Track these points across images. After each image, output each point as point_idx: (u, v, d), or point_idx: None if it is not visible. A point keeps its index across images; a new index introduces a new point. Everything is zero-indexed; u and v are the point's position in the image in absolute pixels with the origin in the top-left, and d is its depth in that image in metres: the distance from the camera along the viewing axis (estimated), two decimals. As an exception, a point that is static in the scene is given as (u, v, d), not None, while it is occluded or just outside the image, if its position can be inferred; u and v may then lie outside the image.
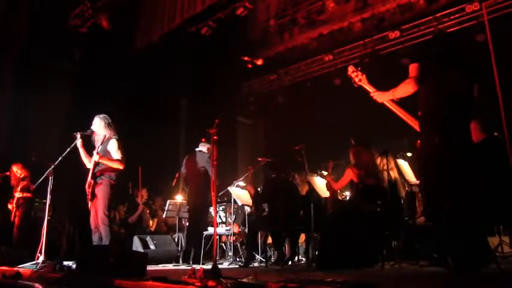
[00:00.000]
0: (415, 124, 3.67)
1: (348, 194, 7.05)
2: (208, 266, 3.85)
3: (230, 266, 6.37)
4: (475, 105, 3.69)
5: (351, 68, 4.08)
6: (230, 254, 7.37)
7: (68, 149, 5.39)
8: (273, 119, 11.36)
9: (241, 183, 7.53)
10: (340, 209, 5.87)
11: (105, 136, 5.43)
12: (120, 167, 5.30)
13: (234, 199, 7.09)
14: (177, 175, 8.52)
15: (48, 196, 5.42)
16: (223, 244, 8.13)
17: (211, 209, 7.01)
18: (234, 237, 7.50)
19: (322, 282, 2.75)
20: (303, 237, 7.08)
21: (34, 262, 5.11)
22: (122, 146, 5.38)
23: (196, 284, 2.89)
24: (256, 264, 6.49)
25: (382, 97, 3.76)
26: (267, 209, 6.15)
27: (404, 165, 5.79)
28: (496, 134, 5.16)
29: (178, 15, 8.89)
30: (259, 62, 4.24)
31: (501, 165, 4.73)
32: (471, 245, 3.20)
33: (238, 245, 7.74)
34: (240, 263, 6.51)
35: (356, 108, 8.50)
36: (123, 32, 9.39)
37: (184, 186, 7.67)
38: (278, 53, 10.01)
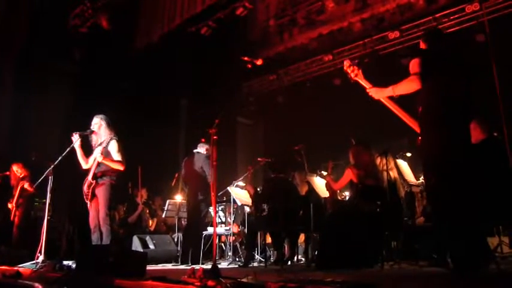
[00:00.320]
0: (411, 122, 3.63)
1: (347, 194, 7.05)
2: (208, 266, 3.85)
3: (229, 266, 6.37)
4: (474, 106, 3.66)
5: (346, 63, 3.98)
6: (229, 254, 7.37)
7: (68, 149, 5.40)
8: (273, 119, 11.37)
9: (241, 183, 7.53)
10: (340, 209, 5.88)
11: (106, 137, 5.45)
12: (121, 168, 5.33)
13: (234, 199, 7.09)
14: (176, 175, 8.53)
15: (48, 196, 5.43)
16: (222, 244, 8.13)
17: (211, 209, 7.01)
18: (234, 237, 7.50)
19: (321, 282, 2.75)
20: (302, 237, 7.09)
21: (34, 262, 5.11)
22: (122, 147, 5.40)
23: (196, 283, 2.89)
24: (255, 264, 6.49)
25: (380, 94, 3.67)
26: (266, 209, 6.15)
27: (403, 165, 5.78)
28: (495, 134, 5.16)
29: (178, 15, 8.89)
30: (259, 62, 4.24)
31: (501, 166, 4.73)
32: (471, 246, 3.20)
33: (238, 245, 7.74)
34: (239, 263, 6.51)
35: (356, 109, 8.51)
36: (123, 32, 9.39)
37: (183, 186, 7.68)
38: (278, 53, 10.02)
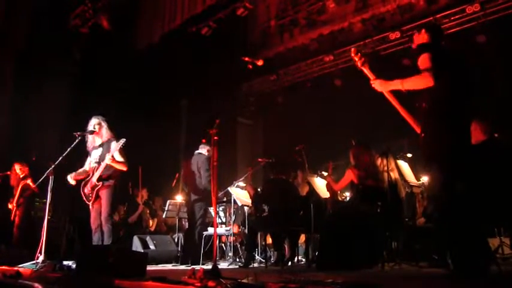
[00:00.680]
0: (409, 119, 3.59)
1: (348, 194, 7.05)
2: (208, 266, 3.85)
3: (230, 267, 6.36)
4: (474, 106, 3.63)
5: (353, 50, 3.90)
6: (230, 254, 7.37)
7: (69, 149, 5.40)
8: (273, 119, 11.36)
9: (241, 184, 7.53)
10: (340, 209, 5.87)
11: (106, 138, 5.46)
12: (125, 168, 5.38)
13: (234, 199, 7.09)
14: (176, 175, 8.53)
15: (49, 196, 5.42)
16: (223, 244, 8.13)
17: (211, 209, 7.01)
18: (234, 238, 7.50)
19: (322, 283, 2.75)
20: (302, 237, 7.08)
21: (34, 262, 5.10)
22: (123, 148, 5.40)
23: (196, 284, 2.89)
24: (256, 265, 6.49)
25: (385, 86, 3.57)
26: (266, 210, 6.15)
27: (404, 166, 5.78)
28: (496, 135, 5.16)
29: (179, 16, 8.89)
30: (260, 62, 4.23)
31: (501, 167, 4.73)
32: (472, 247, 3.19)
33: (238, 246, 7.74)
34: (239, 264, 6.51)
35: (356, 109, 8.52)
36: (123, 32, 9.40)
37: (184, 186, 7.69)
38: (278, 53, 10.02)
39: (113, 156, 5.28)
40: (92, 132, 5.50)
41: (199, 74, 10.19)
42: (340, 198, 6.81)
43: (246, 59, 4.26)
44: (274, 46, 10.02)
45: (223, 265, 6.48)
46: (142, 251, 6.83)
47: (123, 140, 5.30)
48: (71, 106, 8.75)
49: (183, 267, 6.39)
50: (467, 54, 7.53)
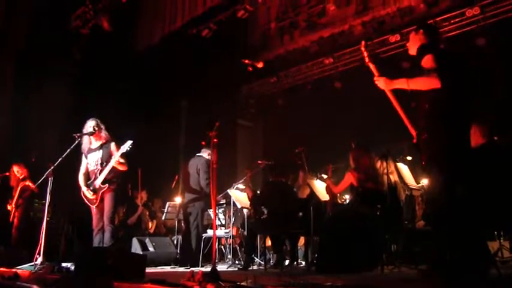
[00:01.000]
0: (406, 121, 3.59)
1: (347, 197, 7.05)
2: (207, 269, 3.84)
3: (229, 269, 6.35)
4: (473, 108, 3.62)
5: (363, 43, 3.90)
6: (229, 256, 7.36)
7: (68, 150, 5.39)
8: (273, 121, 11.36)
9: (241, 186, 7.52)
10: (340, 212, 5.86)
11: (105, 139, 5.47)
12: (126, 169, 5.43)
13: (233, 202, 7.08)
14: (176, 177, 8.52)
15: (48, 197, 5.42)
16: (222, 247, 8.12)
17: (211, 212, 7.01)
18: (233, 240, 7.49)
19: (321, 286, 2.75)
20: (302, 240, 7.07)
21: (32, 263, 5.10)
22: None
23: (195, 286, 2.89)
24: (255, 267, 6.48)
25: (389, 85, 3.55)
26: (265, 212, 6.15)
27: (404, 169, 5.78)
28: (496, 138, 5.16)
29: (179, 17, 8.90)
30: (260, 65, 4.23)
31: (500, 170, 4.72)
32: (471, 250, 3.19)
33: (237, 248, 7.73)
34: (239, 266, 6.50)
35: (356, 112, 8.52)
36: (124, 33, 9.40)
37: (183, 188, 7.68)
38: (278, 55, 10.01)
39: (108, 157, 5.30)
40: (92, 134, 5.50)
41: (200, 75, 10.20)
42: (339, 201, 6.81)
43: (246, 61, 4.27)
44: (274, 48, 10.01)
45: (222, 267, 6.47)
46: (141, 252, 6.83)
47: (129, 142, 5.32)
48: (71, 107, 8.74)
49: (182, 269, 6.38)
50: (467, 57, 7.60)
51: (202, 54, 9.89)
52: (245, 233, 7.18)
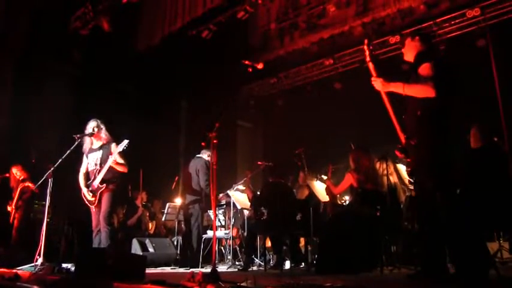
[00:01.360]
0: (397, 125, 3.58)
1: (347, 198, 7.05)
2: (207, 270, 3.84)
3: (229, 270, 6.36)
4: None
5: (366, 41, 3.92)
6: (229, 257, 7.36)
7: (68, 151, 5.40)
8: (273, 122, 11.36)
9: (241, 187, 7.53)
10: (340, 213, 5.87)
11: (106, 140, 5.48)
12: (125, 170, 5.41)
13: (233, 203, 7.09)
14: (176, 178, 8.53)
15: (48, 198, 5.42)
16: (222, 248, 8.12)
17: (211, 213, 7.01)
18: (233, 241, 7.50)
19: (320, 287, 2.75)
20: (302, 241, 7.07)
21: (33, 264, 5.10)
22: (123, 150, 5.41)
23: (195, 287, 2.89)
24: (255, 268, 6.48)
25: (386, 86, 3.57)
26: (265, 213, 6.14)
27: (403, 170, 5.78)
28: (495, 139, 5.17)
29: (179, 18, 8.89)
30: (260, 66, 4.23)
31: (500, 171, 4.73)
32: (471, 251, 3.19)
33: (237, 249, 7.73)
34: (239, 267, 6.50)
35: (356, 113, 8.52)
36: (124, 35, 9.40)
37: (183, 190, 7.69)
38: (278, 56, 10.01)
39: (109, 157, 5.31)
40: (92, 135, 5.51)
41: (199, 76, 10.20)
42: (339, 202, 6.81)
43: (246, 62, 4.27)
44: (274, 49, 10.02)
45: (222, 268, 6.47)
46: (141, 253, 6.83)
47: (126, 141, 5.32)
48: (71, 107, 8.74)
49: (182, 270, 6.39)
50: (467, 58, 7.61)
51: (202, 55, 9.89)
52: (245, 234, 7.18)
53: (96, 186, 5.32)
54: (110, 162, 5.26)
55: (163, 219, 8.53)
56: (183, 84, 10.75)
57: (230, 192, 7.18)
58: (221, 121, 3.78)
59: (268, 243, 7.03)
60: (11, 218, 7.08)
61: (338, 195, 6.61)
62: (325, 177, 6.50)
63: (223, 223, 7.87)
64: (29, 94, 8.38)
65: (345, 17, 8.87)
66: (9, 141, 8.27)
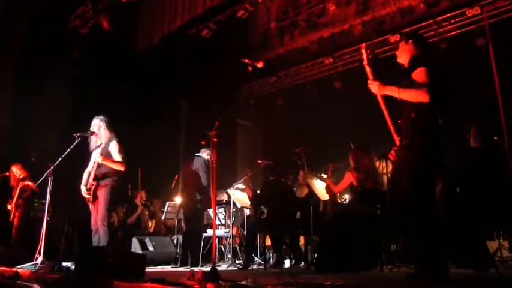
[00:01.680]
0: (392, 128, 3.61)
1: (347, 197, 7.05)
2: (207, 268, 3.84)
3: (229, 268, 6.36)
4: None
5: (364, 45, 3.95)
6: (229, 256, 7.37)
7: (68, 150, 5.40)
8: (273, 121, 11.37)
9: (241, 186, 7.53)
10: (339, 212, 5.87)
11: (106, 138, 5.46)
12: (122, 168, 5.34)
13: (233, 201, 7.09)
14: (176, 177, 8.53)
15: (48, 197, 5.42)
16: (222, 246, 8.13)
17: (211, 211, 7.02)
18: (233, 240, 7.50)
19: (320, 286, 2.75)
20: (301, 240, 7.08)
21: (33, 263, 5.10)
22: (122, 148, 5.40)
23: (195, 286, 2.89)
24: (255, 267, 6.49)
25: (381, 90, 3.60)
26: (265, 212, 6.15)
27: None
28: (495, 138, 5.17)
29: (179, 17, 8.88)
30: (260, 64, 4.22)
31: (500, 171, 4.74)
32: (471, 249, 3.20)
33: (237, 247, 7.74)
34: (238, 265, 6.51)
35: (356, 112, 8.51)
36: (123, 33, 9.39)
37: (183, 188, 7.70)
38: (278, 55, 10.01)
39: (104, 155, 5.28)
40: (92, 133, 5.51)
41: (199, 75, 10.20)
42: (339, 201, 6.82)
43: (246, 60, 4.26)
44: (274, 48, 10.01)
45: (222, 267, 6.48)
46: (141, 252, 6.83)
47: (113, 142, 5.33)
48: (71, 106, 8.74)
49: (182, 269, 6.39)
50: (467, 57, 7.61)
51: (202, 54, 9.89)
52: (245, 232, 7.18)
53: (90, 184, 5.30)
54: (97, 158, 5.25)
55: (163, 217, 8.54)
56: (183, 83, 10.74)
57: (230, 191, 7.18)
58: (221, 120, 3.78)
59: (268, 242, 7.04)
60: (11, 216, 7.08)
61: (338, 194, 6.62)
62: (325, 176, 6.50)
63: (223, 222, 7.88)
64: (29, 94, 8.38)
65: (344, 16, 8.86)
66: (9, 141, 8.27)
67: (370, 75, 3.74)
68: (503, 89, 7.09)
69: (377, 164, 5.34)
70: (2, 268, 4.80)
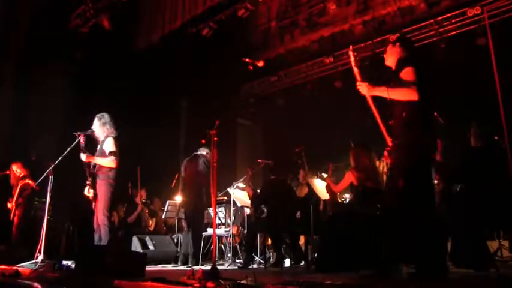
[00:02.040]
0: (383, 128, 3.65)
1: (347, 196, 7.05)
2: (208, 267, 3.85)
3: (229, 268, 6.36)
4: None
5: (351, 47, 3.96)
6: (229, 255, 7.37)
7: (68, 149, 5.40)
8: (273, 120, 11.37)
9: (241, 185, 7.54)
10: (340, 211, 5.87)
11: (103, 135, 5.46)
12: (113, 165, 5.27)
13: (233, 200, 7.09)
14: (176, 176, 8.52)
15: (48, 195, 5.42)
16: (222, 245, 8.13)
17: (211, 210, 7.02)
18: (233, 239, 7.51)
19: (320, 285, 2.75)
20: (302, 239, 7.09)
21: (33, 261, 5.11)
22: (116, 145, 5.37)
23: (195, 285, 2.89)
24: (255, 266, 6.49)
25: (370, 91, 3.63)
26: (265, 211, 6.15)
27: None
28: (496, 138, 5.17)
29: (180, 16, 8.89)
30: (260, 63, 4.23)
31: (500, 170, 4.74)
32: (471, 249, 3.21)
33: (237, 247, 7.74)
34: (239, 265, 6.51)
35: (356, 111, 8.50)
36: (124, 33, 9.40)
37: (183, 187, 7.69)
38: (279, 54, 10.01)
39: (99, 152, 5.28)
40: (92, 132, 5.51)
41: (200, 74, 10.20)
42: (339, 200, 6.82)
43: (247, 60, 4.27)
44: (274, 47, 10.01)
45: (222, 266, 6.48)
46: (141, 251, 6.83)
47: (81, 137, 5.32)
48: (71, 106, 8.74)
49: (182, 267, 6.39)
50: (468, 57, 7.61)
51: (203, 53, 9.89)
52: (245, 231, 7.19)
53: (86, 182, 5.30)
54: (82, 158, 5.26)
55: (163, 216, 8.54)
56: (184, 82, 10.74)
57: (230, 190, 7.18)
58: (221, 119, 3.79)
59: (269, 241, 7.04)
60: (12, 215, 7.08)
61: (338, 194, 6.62)
62: (325, 175, 6.50)
63: (223, 221, 7.88)
64: (29, 93, 8.38)
65: (345, 15, 8.87)
66: (9, 140, 8.27)
67: (358, 77, 3.77)
68: (504, 89, 7.08)
69: (377, 163, 5.35)
70: (2, 266, 4.80)
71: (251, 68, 4.29)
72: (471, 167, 4.80)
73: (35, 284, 3.64)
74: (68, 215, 7.90)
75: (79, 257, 4.27)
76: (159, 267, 6.61)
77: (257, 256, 7.02)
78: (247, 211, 7.38)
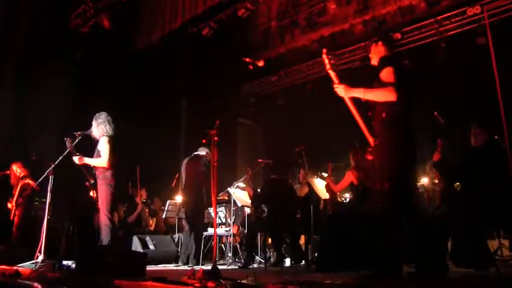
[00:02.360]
0: (365, 129, 3.68)
1: (348, 196, 7.05)
2: (208, 267, 3.85)
3: (230, 267, 6.37)
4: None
5: (324, 50, 3.95)
6: (230, 255, 7.38)
7: (68, 149, 5.40)
8: (274, 120, 11.37)
9: (241, 184, 7.53)
10: (340, 211, 5.88)
11: (100, 135, 5.47)
12: (104, 165, 5.28)
13: (234, 200, 7.09)
14: (176, 176, 8.52)
15: (48, 195, 5.43)
16: (222, 245, 8.13)
17: (211, 210, 7.02)
18: (234, 238, 7.51)
19: (321, 285, 2.75)
20: (302, 239, 7.09)
21: (33, 261, 5.11)
22: (111, 144, 5.37)
23: (196, 284, 2.89)
24: (255, 266, 6.49)
25: (349, 93, 3.64)
26: (266, 211, 6.15)
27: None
28: (496, 137, 5.17)
29: (180, 16, 8.89)
30: (261, 63, 4.23)
31: (500, 170, 4.73)
32: (472, 248, 3.21)
33: (238, 246, 7.74)
34: (239, 264, 6.51)
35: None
36: (124, 32, 9.39)
37: (184, 187, 7.69)
38: (279, 54, 10.01)
39: (96, 152, 5.27)
40: (91, 132, 5.52)
41: (200, 74, 10.20)
42: (340, 200, 6.82)
43: (247, 59, 4.27)
44: (275, 47, 10.01)
45: (222, 266, 6.48)
46: (141, 251, 6.83)
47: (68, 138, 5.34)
48: (71, 106, 8.74)
49: (182, 267, 6.39)
50: (468, 56, 7.61)
51: (203, 53, 9.88)
52: (245, 231, 7.19)
53: (89, 183, 5.32)
54: (74, 160, 5.27)
55: (163, 216, 8.54)
56: (184, 82, 10.74)
57: (230, 190, 7.18)
58: (222, 119, 3.79)
59: (269, 241, 7.04)
60: (12, 215, 7.08)
61: (338, 193, 6.62)
62: (325, 175, 6.51)
63: (223, 221, 7.88)
64: (29, 93, 8.38)
65: (345, 15, 8.86)
66: (9, 140, 8.27)
67: (335, 79, 3.82)
68: (504, 89, 7.08)
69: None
70: (2, 267, 4.80)
71: (251, 67, 4.30)
72: (471, 167, 4.80)
73: (35, 284, 3.63)
74: (68, 214, 7.90)
75: (79, 257, 4.27)
76: (160, 267, 6.61)
77: (257, 256, 7.02)
78: (248, 211, 7.38)
